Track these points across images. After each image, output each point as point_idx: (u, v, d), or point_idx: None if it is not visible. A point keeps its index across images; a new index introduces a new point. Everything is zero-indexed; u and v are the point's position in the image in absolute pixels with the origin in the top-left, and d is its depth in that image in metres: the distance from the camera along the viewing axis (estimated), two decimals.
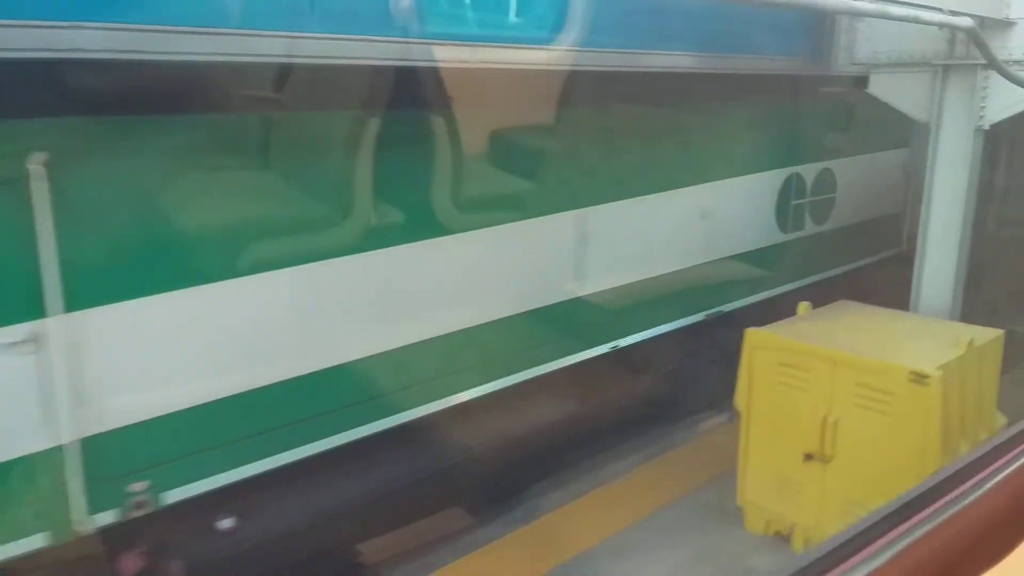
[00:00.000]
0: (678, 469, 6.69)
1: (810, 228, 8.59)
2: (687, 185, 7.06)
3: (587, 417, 6.68)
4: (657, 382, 7.16)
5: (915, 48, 6.09)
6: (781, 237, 8.28)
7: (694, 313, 7.30)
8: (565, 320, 6.19)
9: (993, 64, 5.32)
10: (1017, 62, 5.64)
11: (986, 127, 5.87)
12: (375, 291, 4.87)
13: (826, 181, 8.66)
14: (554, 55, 5.30)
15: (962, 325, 5.78)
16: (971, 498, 1.36)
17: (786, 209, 8.26)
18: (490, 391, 5.74)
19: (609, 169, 6.32)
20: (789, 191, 8.24)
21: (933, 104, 6.03)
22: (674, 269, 7.06)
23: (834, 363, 5.23)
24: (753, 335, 5.67)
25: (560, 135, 5.88)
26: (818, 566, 1.20)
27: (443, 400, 5.36)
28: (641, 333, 6.79)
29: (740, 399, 5.79)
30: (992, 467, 1.45)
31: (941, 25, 5.08)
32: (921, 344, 5.33)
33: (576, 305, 6.24)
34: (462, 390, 5.48)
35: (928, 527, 1.27)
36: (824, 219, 8.79)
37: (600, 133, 6.21)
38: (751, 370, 5.70)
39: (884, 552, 1.21)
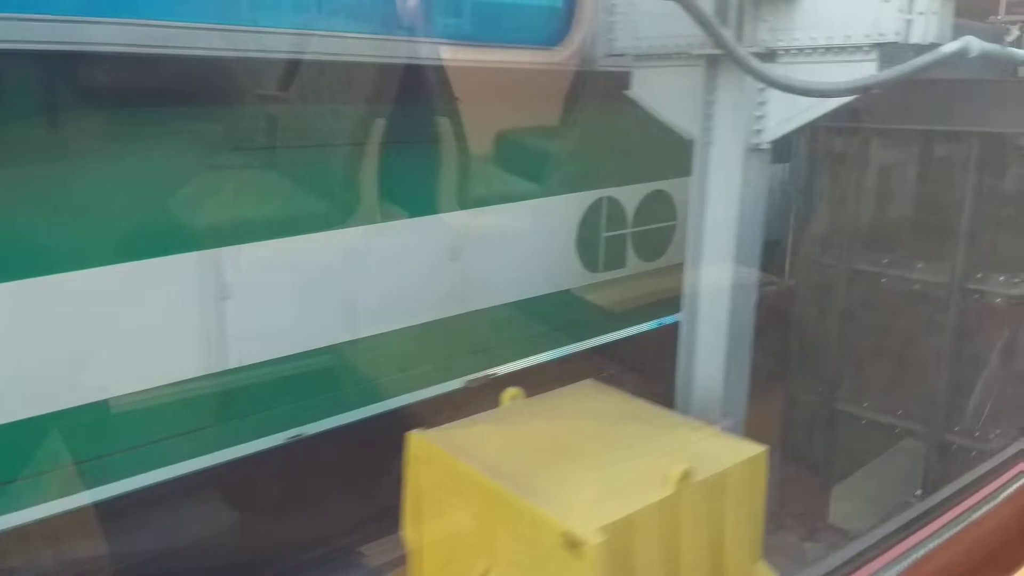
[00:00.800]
0: None
1: (635, 266, 6.85)
2: (417, 216, 5.35)
3: (258, 530, 4.93)
4: (370, 481, 5.40)
5: (681, 32, 4.36)
6: (587, 278, 6.56)
7: (440, 382, 5.56)
8: (205, 402, 4.48)
9: (725, 47, 3.59)
10: (802, 50, 3.91)
11: (764, 145, 4.13)
12: None
13: (659, 206, 6.91)
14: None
15: (718, 435, 4.01)
16: (983, 511, 1.35)
17: (594, 243, 6.54)
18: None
19: (271, 193, 4.61)
20: (597, 220, 6.51)
21: (697, 113, 4.30)
22: (404, 325, 5.33)
23: (491, 499, 3.51)
24: (416, 441, 3.95)
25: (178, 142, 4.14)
26: (840, 572, 1.25)
27: None
28: (343, 415, 5.05)
29: (408, 529, 4.07)
30: (1001, 481, 1.45)
31: None
32: (629, 472, 3.59)
33: (223, 380, 4.52)
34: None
35: (942, 539, 1.27)
36: (659, 253, 7.04)
37: (254, 146, 4.49)
38: (418, 489, 3.98)
39: (900, 562, 1.22)
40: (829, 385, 5.53)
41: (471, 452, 3.75)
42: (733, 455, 3.71)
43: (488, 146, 5.61)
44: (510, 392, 4.28)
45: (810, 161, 5.52)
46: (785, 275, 6.20)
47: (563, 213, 6.28)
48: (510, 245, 5.92)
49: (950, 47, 3.19)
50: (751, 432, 5.49)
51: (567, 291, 6.42)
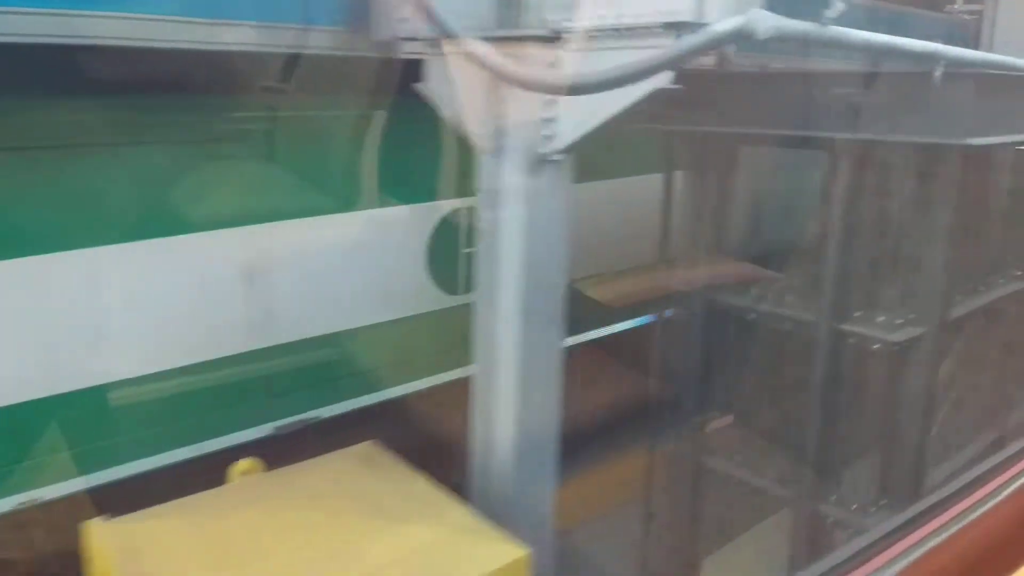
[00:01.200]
0: None
1: None
2: (203, 229, 4.47)
3: None
4: None
5: (474, 11, 3.47)
6: (444, 301, 5.68)
7: (231, 431, 4.68)
8: None
9: (440, 27, 2.71)
10: (590, 32, 3.02)
11: (556, 156, 3.24)
12: None
13: None
14: None
15: (478, 531, 3.09)
16: (983, 510, 1.34)
17: (451, 260, 5.66)
18: None
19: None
20: (454, 234, 5.64)
21: (486, 115, 3.42)
22: (178, 364, 4.45)
23: None
24: (96, 534, 3.07)
25: None
26: (839, 570, 1.27)
27: None
28: (92, 475, 4.19)
29: None
30: (1001, 480, 1.44)
31: None
32: None
33: None
34: None
35: (942, 537, 1.27)
36: None
37: None
38: None
39: (900, 560, 1.22)
40: (695, 438, 4.66)
41: (144, 552, 2.90)
42: (480, 563, 2.83)
43: (288, 146, 4.73)
44: (241, 466, 3.41)
45: (669, 173, 4.63)
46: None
47: (407, 226, 5.42)
48: (334, 263, 5.05)
49: (725, 25, 2.30)
50: (588, 496, 4.64)
51: (417, 316, 5.56)
